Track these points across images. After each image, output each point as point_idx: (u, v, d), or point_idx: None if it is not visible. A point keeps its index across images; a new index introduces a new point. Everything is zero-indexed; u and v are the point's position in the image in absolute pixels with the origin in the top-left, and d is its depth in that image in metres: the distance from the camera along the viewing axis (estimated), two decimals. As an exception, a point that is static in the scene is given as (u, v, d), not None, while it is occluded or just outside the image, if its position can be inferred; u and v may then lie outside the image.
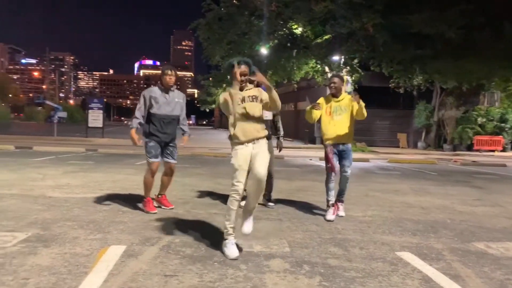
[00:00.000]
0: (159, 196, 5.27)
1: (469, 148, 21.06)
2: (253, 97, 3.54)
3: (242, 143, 3.50)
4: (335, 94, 4.98)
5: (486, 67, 16.98)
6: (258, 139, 3.52)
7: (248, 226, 3.57)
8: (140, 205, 5.16)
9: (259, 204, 5.53)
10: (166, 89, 4.94)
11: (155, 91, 4.94)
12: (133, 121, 4.94)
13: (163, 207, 5.19)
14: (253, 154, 3.48)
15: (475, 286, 2.96)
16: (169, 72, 4.90)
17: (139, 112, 4.92)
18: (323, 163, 13.24)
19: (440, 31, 15.10)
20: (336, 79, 4.99)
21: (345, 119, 4.92)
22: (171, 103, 4.95)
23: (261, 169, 3.44)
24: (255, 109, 3.53)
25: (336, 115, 4.92)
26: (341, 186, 5.06)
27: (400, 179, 9.44)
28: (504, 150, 20.90)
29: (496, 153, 19.92)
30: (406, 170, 11.55)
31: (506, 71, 18.21)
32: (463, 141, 21.28)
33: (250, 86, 3.56)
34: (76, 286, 2.73)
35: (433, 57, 16.72)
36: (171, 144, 5.06)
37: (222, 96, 3.61)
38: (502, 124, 21.56)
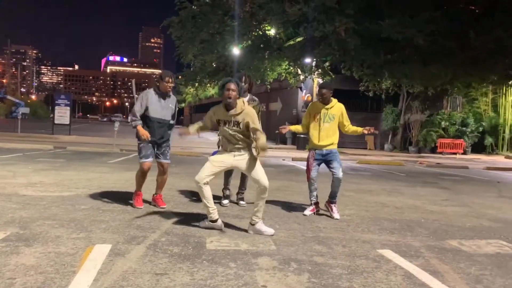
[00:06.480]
0: (155, 195, 5.30)
1: (433, 150, 21.87)
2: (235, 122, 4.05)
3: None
4: (325, 102, 5.11)
5: (450, 73, 17.78)
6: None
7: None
8: (131, 201, 5.22)
9: (232, 202, 5.61)
10: (162, 94, 5.00)
11: (152, 94, 4.98)
12: (134, 119, 4.92)
13: (157, 206, 5.19)
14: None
15: (454, 281, 3.13)
16: (170, 80, 4.96)
17: (137, 112, 4.92)
18: (296, 164, 13.35)
19: (409, 36, 15.65)
20: (324, 91, 5.07)
21: (333, 126, 5.10)
22: (166, 108, 5.03)
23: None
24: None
25: (324, 122, 5.08)
26: (333, 188, 5.15)
27: (371, 179, 9.73)
28: (465, 153, 21.84)
29: (457, 156, 20.81)
30: (376, 171, 11.90)
31: (467, 77, 19.11)
32: (428, 144, 22.09)
33: (238, 108, 4.01)
34: (66, 285, 2.68)
35: (402, 62, 17.32)
36: (163, 145, 5.10)
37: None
38: (463, 128, 22.54)
